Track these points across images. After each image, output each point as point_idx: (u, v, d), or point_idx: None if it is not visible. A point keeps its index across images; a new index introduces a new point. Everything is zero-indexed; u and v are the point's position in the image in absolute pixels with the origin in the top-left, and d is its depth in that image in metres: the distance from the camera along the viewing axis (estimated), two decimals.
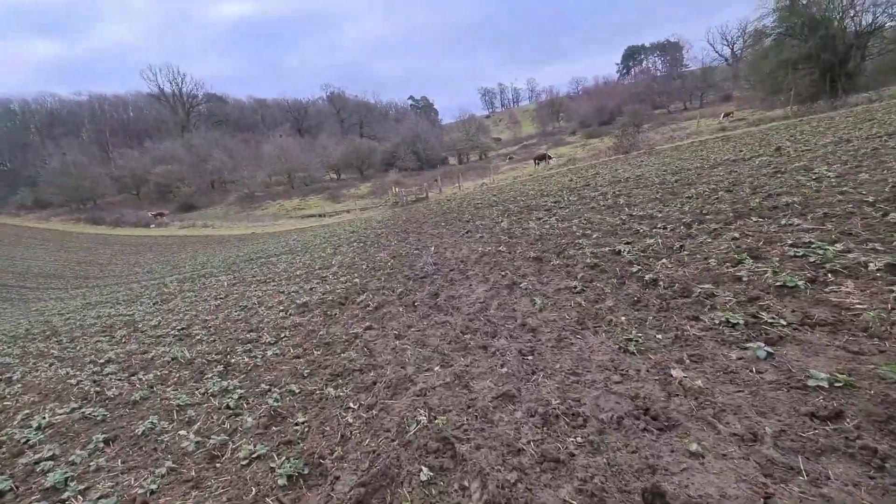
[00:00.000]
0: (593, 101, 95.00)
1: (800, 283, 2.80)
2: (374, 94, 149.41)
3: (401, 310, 4.53)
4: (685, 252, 4.10)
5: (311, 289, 6.71)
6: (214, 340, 4.95)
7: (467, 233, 8.59)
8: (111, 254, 34.66)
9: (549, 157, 32.23)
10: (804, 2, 22.11)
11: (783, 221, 4.21)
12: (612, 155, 24.80)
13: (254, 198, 64.87)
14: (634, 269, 3.87)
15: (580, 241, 5.50)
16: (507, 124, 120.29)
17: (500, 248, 6.29)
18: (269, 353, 4.03)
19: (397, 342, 3.62)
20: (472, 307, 4.13)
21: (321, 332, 4.30)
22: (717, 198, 6.02)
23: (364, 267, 7.46)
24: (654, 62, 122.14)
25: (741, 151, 11.01)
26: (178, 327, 6.06)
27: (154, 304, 9.11)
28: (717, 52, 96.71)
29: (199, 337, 5.27)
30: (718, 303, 2.88)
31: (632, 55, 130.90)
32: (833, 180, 5.43)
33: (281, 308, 5.82)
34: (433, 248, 7.60)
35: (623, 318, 3.08)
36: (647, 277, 3.61)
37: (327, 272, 7.88)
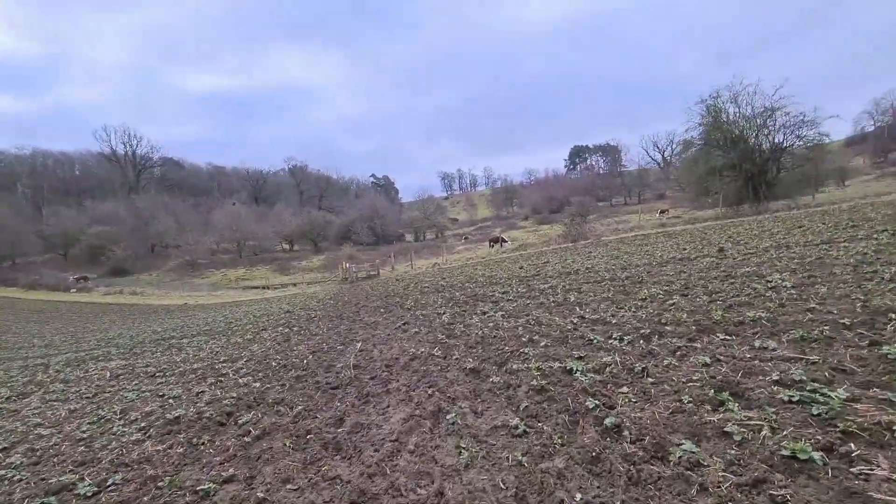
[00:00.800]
0: (544, 190, 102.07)
1: (814, 454, 2.01)
2: (337, 169, 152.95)
3: (287, 444, 3.34)
4: (649, 379, 3.32)
5: (198, 393, 5.31)
6: (20, 481, 3.47)
7: (404, 324, 7.59)
8: (12, 321, 30.33)
9: (504, 241, 32.68)
10: (725, 119, 25.06)
11: (756, 343, 3.58)
12: (561, 242, 25.34)
13: (196, 265, 61.14)
14: (590, 405, 2.99)
15: (526, 349, 4.65)
16: (463, 206, 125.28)
17: (435, 351, 5.31)
18: (87, 500, 2.71)
19: None
20: (381, 448, 3.04)
21: (162, 482, 3.00)
22: (672, 303, 5.49)
23: (274, 364, 6.16)
24: (597, 161, 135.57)
25: (685, 249, 11.10)
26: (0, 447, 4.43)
27: (5, 398, 7.17)
28: (650, 156, 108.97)
29: (7, 471, 3.74)
30: (710, 482, 2.01)
31: (577, 153, 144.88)
32: (792, 291, 5.04)
33: (143, 424, 4.40)
34: (359, 345, 6.48)
35: (578, 496, 2.12)
36: (607, 421, 2.73)
37: (230, 367, 6.49)
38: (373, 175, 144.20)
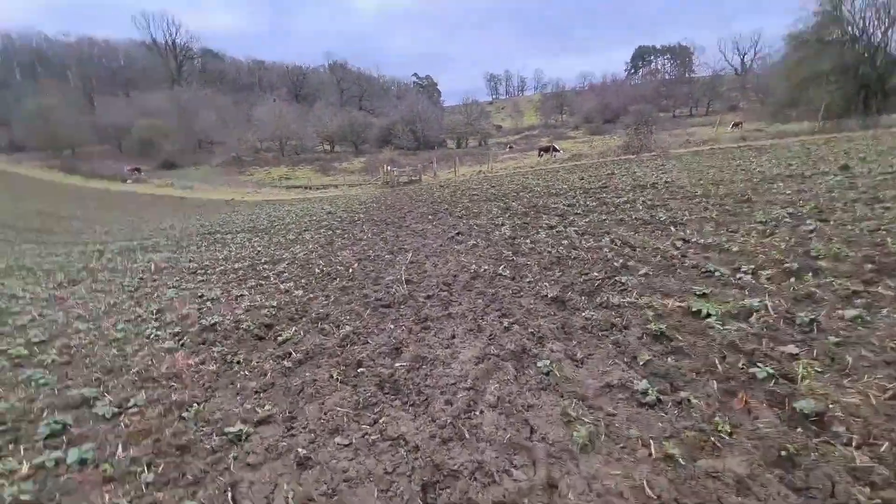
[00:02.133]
0: (599, 97, 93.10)
1: None
2: (378, 67, 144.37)
3: (334, 376, 2.72)
4: (830, 337, 2.34)
5: (237, 297, 4.86)
6: (44, 386, 3.12)
7: (457, 234, 6.76)
8: (76, 207, 32.21)
9: (556, 150, 30.26)
10: (849, 8, 20.31)
11: None
12: (620, 154, 23.00)
13: (240, 162, 61.97)
14: (758, 374, 2.09)
15: (622, 276, 3.72)
16: (509, 112, 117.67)
17: (501, 270, 4.48)
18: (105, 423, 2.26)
19: (299, 486, 1.83)
20: (453, 399, 2.33)
21: (188, 412, 2.48)
22: (812, 230, 4.27)
23: (318, 271, 5.59)
24: (664, 64, 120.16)
25: (790, 165, 9.30)
26: (38, 339, 4.19)
27: (57, 285, 7.19)
28: (727, 60, 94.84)
29: (37, 371, 3.43)
30: None
31: (641, 56, 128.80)
32: None
33: (178, 329, 3.97)
34: (410, 255, 5.75)
35: None
36: (799, 406, 1.83)
37: (272, 269, 6.01)
38: (415, 74, 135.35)
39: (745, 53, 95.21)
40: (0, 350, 4.10)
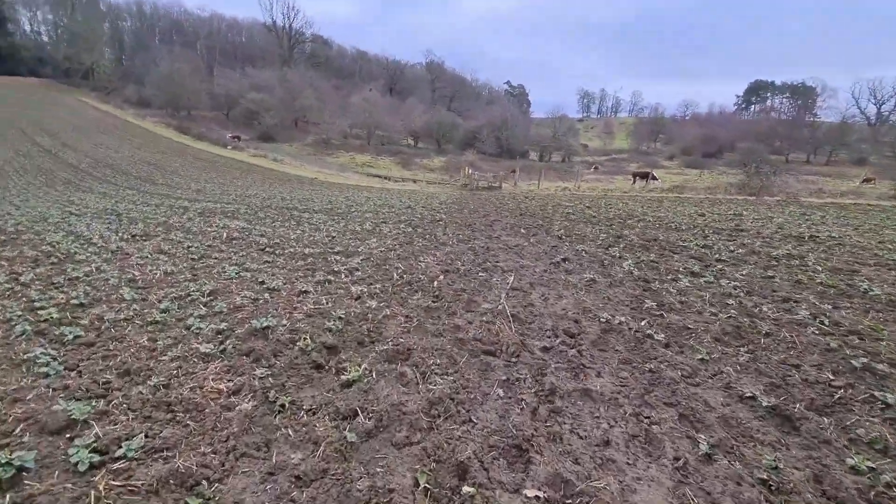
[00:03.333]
0: (702, 129, 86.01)
1: None
2: (472, 71, 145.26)
3: (420, 486, 1.65)
4: None
5: (300, 293, 4.01)
6: (51, 375, 2.38)
7: (563, 261, 5.51)
8: (180, 164, 34.82)
9: (654, 178, 27.65)
10: None
11: None
12: (733, 193, 20.22)
13: (329, 144, 64.62)
14: None
15: (874, 387, 2.31)
16: (598, 133, 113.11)
17: (649, 329, 3.20)
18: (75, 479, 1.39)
19: None
20: None
21: (193, 481, 1.53)
22: None
23: (396, 277, 4.64)
24: (781, 103, 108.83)
25: None
26: (78, 302, 3.61)
27: (132, 237, 6.94)
28: (858, 107, 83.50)
29: (58, 353, 2.74)
30: None
31: (757, 90, 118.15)
32: None
33: (224, 326, 3.16)
34: (511, 279, 4.60)
35: None
36: None
37: (344, 265, 5.16)
38: (507, 82, 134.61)
39: (882, 102, 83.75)
40: (37, 306, 3.54)
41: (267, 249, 6.06)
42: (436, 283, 4.41)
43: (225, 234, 7.05)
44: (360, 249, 6.03)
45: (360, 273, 4.80)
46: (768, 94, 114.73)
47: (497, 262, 5.42)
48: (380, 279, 4.57)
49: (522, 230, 8.07)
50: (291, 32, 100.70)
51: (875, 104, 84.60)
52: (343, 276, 4.69)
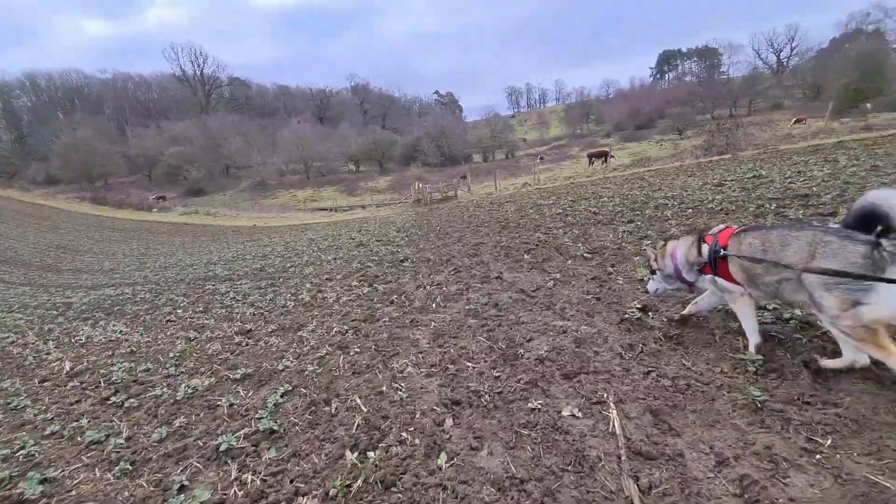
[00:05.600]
0: (627, 103, 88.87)
1: None
2: (399, 87, 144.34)
3: None
4: None
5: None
6: None
7: (641, 310, 3.29)
8: (97, 240, 30.57)
9: (611, 155, 26.45)
10: None
11: None
12: (701, 157, 19.07)
13: (266, 185, 60.71)
14: None
15: None
16: (532, 124, 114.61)
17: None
18: None
19: None
20: None
21: None
22: None
23: (355, 424, 2.23)
24: (690, 68, 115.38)
25: None
26: None
27: None
28: (761, 59, 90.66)
29: None
30: None
31: (667, 59, 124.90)
32: None
33: None
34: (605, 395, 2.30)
35: None
36: None
37: (252, 395, 2.67)
38: (436, 92, 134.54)
39: (780, 50, 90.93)
40: None
41: (119, 392, 3.42)
42: (439, 429, 2.01)
43: (68, 367, 4.30)
44: (284, 359, 3.51)
45: (280, 419, 2.33)
46: (677, 62, 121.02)
47: (528, 337, 3.08)
48: (324, 437, 2.13)
49: (515, 253, 5.78)
50: (204, 79, 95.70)
51: (774, 53, 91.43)
52: (252, 453, 2.21)
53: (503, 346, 2.97)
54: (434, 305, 4.22)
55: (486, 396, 2.39)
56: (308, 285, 6.28)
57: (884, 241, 1.74)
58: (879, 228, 1.78)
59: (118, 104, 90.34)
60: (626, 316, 3.15)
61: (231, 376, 3.26)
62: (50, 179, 61.91)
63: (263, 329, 4.41)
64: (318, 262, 8.44)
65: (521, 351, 2.88)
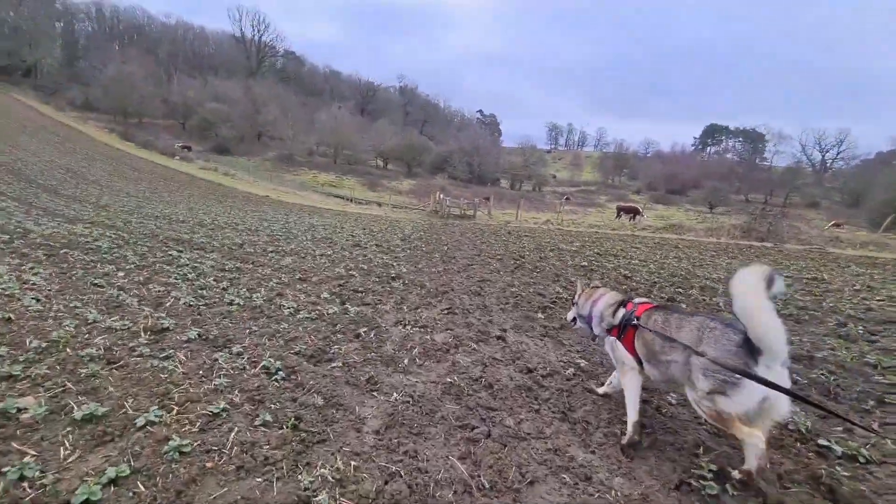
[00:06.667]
0: (665, 166, 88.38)
1: None
2: (445, 99, 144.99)
3: None
4: None
5: None
6: None
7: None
8: (109, 172, 30.00)
9: (641, 215, 25.27)
10: None
11: None
12: (738, 237, 17.83)
13: (292, 161, 60.43)
14: None
15: None
16: (565, 164, 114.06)
17: None
18: None
19: None
20: None
21: None
22: None
23: None
24: (734, 146, 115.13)
25: None
26: None
27: None
28: (806, 154, 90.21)
29: None
30: None
31: (712, 133, 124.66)
32: None
33: None
34: None
35: None
36: None
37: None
38: (480, 111, 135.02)
39: (826, 150, 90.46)
40: None
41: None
42: None
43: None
44: (148, 411, 2.39)
45: None
46: (722, 138, 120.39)
47: (529, 477, 1.93)
48: None
49: (539, 314, 4.63)
50: (261, 45, 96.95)
51: (820, 152, 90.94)
52: None
53: (486, 485, 1.81)
54: (407, 361, 3.08)
55: None
56: (273, 282, 5.18)
57: None
58: None
59: (173, 49, 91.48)
60: (685, 472, 1.98)
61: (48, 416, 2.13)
62: (87, 105, 62.23)
63: (181, 334, 3.29)
64: (301, 254, 7.36)
65: None
